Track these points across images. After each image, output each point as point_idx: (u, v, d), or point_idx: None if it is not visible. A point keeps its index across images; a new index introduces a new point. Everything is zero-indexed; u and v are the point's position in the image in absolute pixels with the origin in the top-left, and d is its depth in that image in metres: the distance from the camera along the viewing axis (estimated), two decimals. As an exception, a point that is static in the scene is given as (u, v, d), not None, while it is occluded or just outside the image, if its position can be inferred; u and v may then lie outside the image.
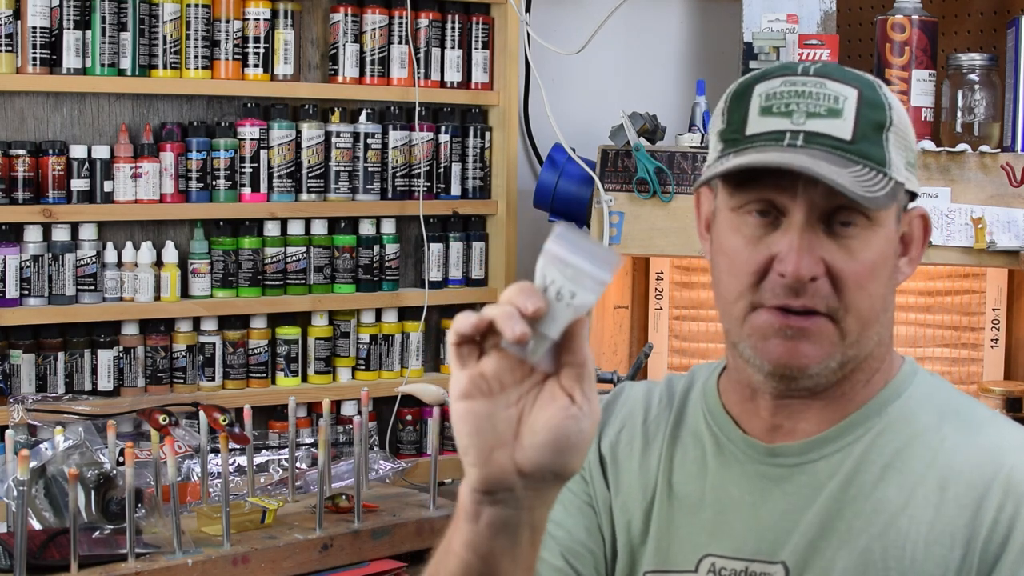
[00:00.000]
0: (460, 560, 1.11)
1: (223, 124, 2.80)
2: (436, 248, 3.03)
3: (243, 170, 2.81)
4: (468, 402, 1.07)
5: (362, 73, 2.94)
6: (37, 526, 2.20)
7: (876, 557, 1.29)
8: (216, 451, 2.40)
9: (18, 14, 2.58)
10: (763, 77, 1.33)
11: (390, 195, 2.97)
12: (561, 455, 1.06)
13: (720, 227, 1.34)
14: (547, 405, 1.06)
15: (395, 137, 2.96)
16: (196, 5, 2.73)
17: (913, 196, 1.36)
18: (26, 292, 2.61)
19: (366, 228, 2.94)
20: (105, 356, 2.69)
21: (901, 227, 1.35)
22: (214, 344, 2.79)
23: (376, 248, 2.95)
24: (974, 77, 2.66)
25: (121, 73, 2.68)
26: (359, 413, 2.60)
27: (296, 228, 2.86)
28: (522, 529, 1.10)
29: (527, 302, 1.04)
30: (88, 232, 2.67)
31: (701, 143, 2.76)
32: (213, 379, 2.79)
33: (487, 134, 3.09)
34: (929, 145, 2.60)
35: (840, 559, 1.30)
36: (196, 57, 2.75)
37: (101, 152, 2.66)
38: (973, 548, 1.27)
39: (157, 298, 2.72)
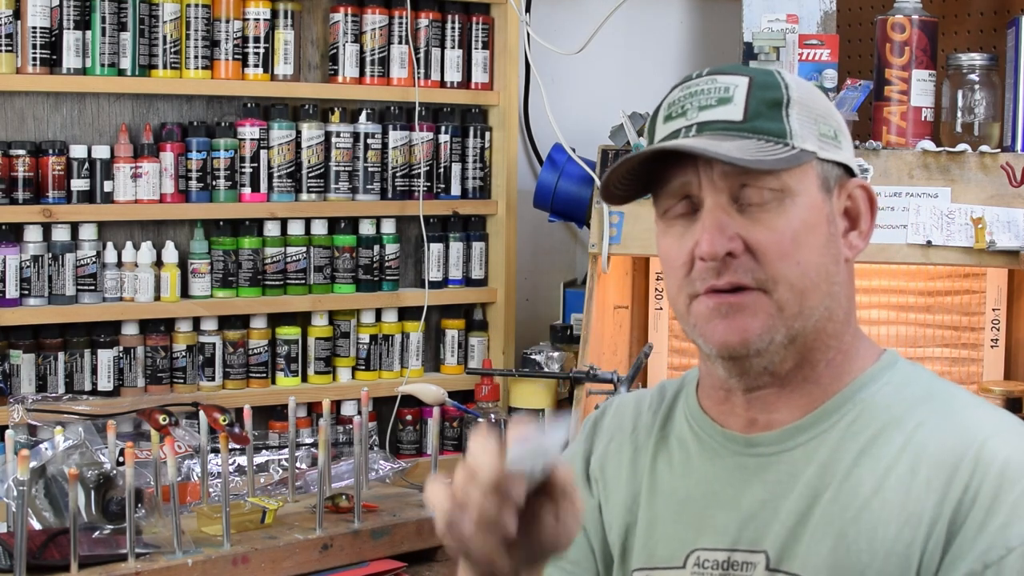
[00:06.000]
0: None
1: (223, 124, 2.80)
2: (436, 248, 3.03)
3: (243, 170, 2.81)
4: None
5: (362, 73, 2.94)
6: (37, 526, 2.20)
7: (850, 541, 1.31)
8: (216, 451, 2.40)
9: (18, 14, 2.58)
10: (669, 93, 1.40)
11: (390, 195, 2.97)
12: (557, 553, 1.18)
13: (657, 238, 1.40)
14: (535, 522, 1.15)
15: (395, 137, 2.96)
16: (196, 5, 2.73)
17: (849, 171, 1.39)
18: (26, 292, 2.61)
19: (366, 228, 2.94)
20: (105, 356, 2.69)
21: (841, 201, 1.38)
22: (214, 344, 2.79)
23: (376, 248, 2.95)
24: (974, 77, 2.66)
25: (121, 73, 2.68)
26: (359, 413, 2.60)
27: (296, 228, 2.86)
28: None
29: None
30: (88, 232, 2.67)
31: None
32: (213, 379, 2.79)
33: (487, 134, 3.09)
34: (929, 145, 2.60)
35: (818, 545, 1.32)
36: (196, 57, 2.75)
37: (101, 152, 2.66)
38: (940, 525, 1.28)
39: (157, 298, 2.72)
